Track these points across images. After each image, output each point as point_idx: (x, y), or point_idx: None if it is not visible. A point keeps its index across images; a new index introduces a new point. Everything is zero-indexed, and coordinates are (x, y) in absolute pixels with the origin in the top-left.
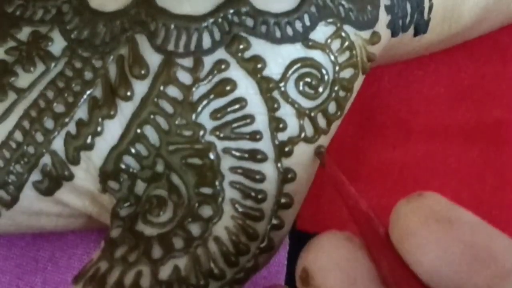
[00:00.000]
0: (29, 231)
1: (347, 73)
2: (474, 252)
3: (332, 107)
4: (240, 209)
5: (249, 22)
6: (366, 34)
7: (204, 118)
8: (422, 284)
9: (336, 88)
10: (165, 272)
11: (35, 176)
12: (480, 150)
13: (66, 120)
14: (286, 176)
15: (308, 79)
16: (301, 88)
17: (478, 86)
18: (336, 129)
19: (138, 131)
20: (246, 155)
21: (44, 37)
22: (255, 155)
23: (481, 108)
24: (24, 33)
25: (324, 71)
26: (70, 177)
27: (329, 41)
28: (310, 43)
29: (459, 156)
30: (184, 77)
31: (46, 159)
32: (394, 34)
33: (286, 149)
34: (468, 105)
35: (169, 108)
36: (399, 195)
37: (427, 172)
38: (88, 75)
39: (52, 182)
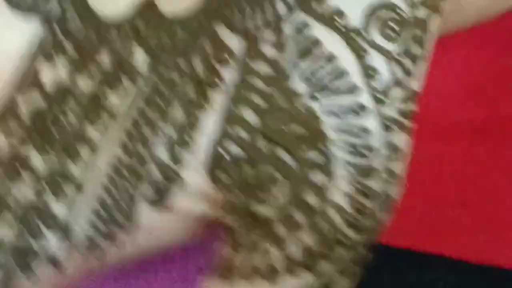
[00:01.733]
0: (150, 253)
1: (422, 13)
2: None
3: (415, 48)
4: (351, 169)
5: None
6: None
7: (298, 84)
8: None
9: (415, 28)
10: (292, 249)
11: (144, 188)
12: (487, 147)
13: (163, 124)
14: (387, 125)
15: (388, 22)
16: (383, 31)
17: (491, 81)
18: (424, 73)
19: (235, 115)
20: (347, 110)
21: (125, 53)
22: (355, 109)
23: (492, 104)
24: (104, 56)
25: (401, 12)
26: (178, 179)
27: None
28: None
29: (466, 153)
30: (269, 50)
31: (151, 167)
32: None
33: (382, 96)
34: (479, 101)
35: (261, 85)
36: (406, 191)
37: (433, 169)
38: (176, 77)
39: (162, 190)
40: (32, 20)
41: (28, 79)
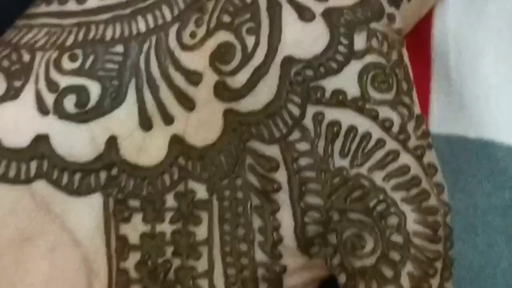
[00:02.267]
0: None
1: (395, 54)
2: None
3: (405, 84)
4: (410, 205)
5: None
6: (383, 22)
7: (338, 161)
8: None
9: (397, 69)
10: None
11: (262, 286)
12: None
13: (251, 236)
14: (417, 154)
15: (377, 79)
16: (377, 87)
17: None
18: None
19: (302, 205)
20: (386, 161)
21: (187, 192)
22: (390, 156)
23: None
24: (169, 201)
25: (382, 65)
26: (284, 269)
27: (368, 44)
28: (360, 54)
29: None
30: (303, 146)
31: (260, 271)
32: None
33: (402, 135)
34: None
35: (311, 174)
36: None
37: None
38: (239, 195)
39: (276, 281)
40: (94, 196)
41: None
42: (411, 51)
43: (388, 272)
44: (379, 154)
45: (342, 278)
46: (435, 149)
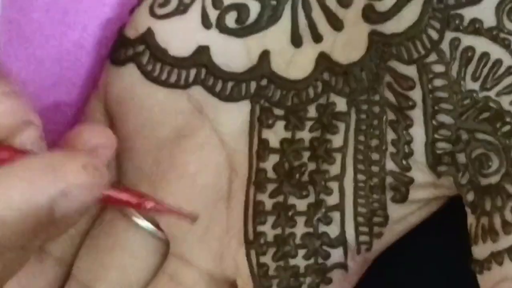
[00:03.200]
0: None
1: None
2: None
3: None
4: None
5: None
6: None
7: (469, 84)
8: None
9: None
10: None
11: (389, 194)
12: None
13: (384, 147)
14: None
15: None
16: None
17: None
18: None
19: (434, 123)
20: (511, 88)
21: (328, 105)
22: None
23: None
24: (311, 111)
25: None
26: (412, 180)
27: None
28: None
29: None
30: (438, 67)
31: (389, 179)
32: None
33: None
34: None
35: (444, 94)
36: None
37: None
38: (376, 109)
39: (402, 192)
40: (243, 103)
41: (257, 142)
42: None
43: (511, 189)
44: (508, 80)
45: (470, 196)
46: None
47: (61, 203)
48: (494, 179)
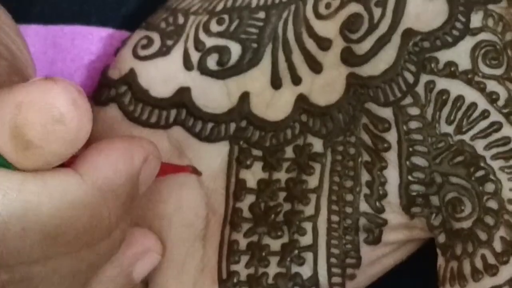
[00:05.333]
0: (373, 278)
1: (508, 36)
2: None
3: None
4: (507, 173)
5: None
6: (501, 4)
7: (444, 127)
8: None
9: (508, 50)
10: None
11: (362, 235)
12: None
13: (358, 188)
14: None
15: (489, 55)
16: (487, 63)
17: None
18: None
19: (409, 165)
20: (489, 131)
21: (305, 146)
22: (494, 127)
23: None
24: (288, 152)
25: (496, 44)
26: (385, 222)
27: (484, 22)
28: (475, 31)
29: None
30: (414, 110)
31: (362, 221)
32: None
33: (507, 109)
34: None
35: (419, 137)
36: None
37: None
38: (351, 150)
39: (376, 233)
40: (222, 143)
41: (235, 182)
42: None
43: (482, 235)
44: (482, 124)
45: (441, 238)
46: None
47: (143, 171)
48: (466, 224)
